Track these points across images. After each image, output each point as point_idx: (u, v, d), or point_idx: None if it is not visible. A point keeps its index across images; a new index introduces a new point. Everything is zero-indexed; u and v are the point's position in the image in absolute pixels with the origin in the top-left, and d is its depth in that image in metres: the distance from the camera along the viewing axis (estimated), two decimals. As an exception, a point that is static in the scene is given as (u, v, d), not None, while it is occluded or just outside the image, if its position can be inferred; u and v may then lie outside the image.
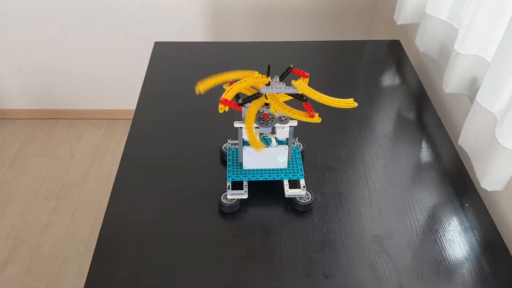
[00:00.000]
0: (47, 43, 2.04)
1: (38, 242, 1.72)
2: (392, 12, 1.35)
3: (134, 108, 1.11)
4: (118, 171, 0.94)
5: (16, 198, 1.90)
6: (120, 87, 2.19)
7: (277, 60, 1.20)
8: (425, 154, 1.00)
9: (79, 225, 1.79)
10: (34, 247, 1.71)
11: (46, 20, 1.98)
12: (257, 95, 0.78)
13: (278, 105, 0.80)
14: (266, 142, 0.86)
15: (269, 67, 0.79)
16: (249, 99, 0.78)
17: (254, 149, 0.82)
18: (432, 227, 0.84)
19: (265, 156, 0.86)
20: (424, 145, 1.02)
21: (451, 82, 1.00)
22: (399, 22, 1.28)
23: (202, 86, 0.78)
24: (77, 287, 1.58)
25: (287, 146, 0.86)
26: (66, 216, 1.82)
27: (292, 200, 0.87)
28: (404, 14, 1.25)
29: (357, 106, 0.79)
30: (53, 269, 1.63)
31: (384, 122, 1.07)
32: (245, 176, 0.88)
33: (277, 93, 0.79)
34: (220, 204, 0.86)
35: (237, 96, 0.79)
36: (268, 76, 0.79)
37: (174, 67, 1.25)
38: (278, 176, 0.88)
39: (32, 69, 2.13)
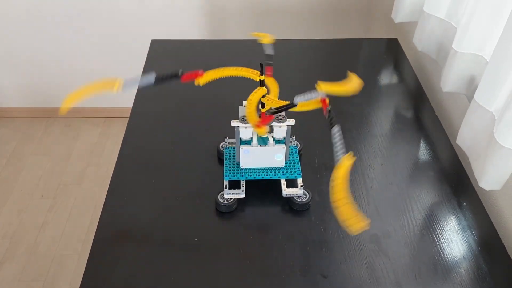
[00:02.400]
0: (43, 41, 2.03)
1: (34, 241, 1.72)
2: (390, 11, 1.35)
3: (131, 106, 1.10)
4: (114, 170, 0.94)
5: (12, 197, 1.89)
6: (117, 85, 2.18)
7: (275, 58, 1.19)
8: (423, 153, 1.00)
9: (75, 224, 1.79)
10: (31, 246, 1.70)
11: (42, 18, 1.97)
12: (289, 106, 0.76)
13: (274, 103, 0.79)
14: (263, 141, 0.85)
15: (261, 65, 0.78)
16: (282, 108, 0.76)
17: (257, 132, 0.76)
18: (429, 226, 0.84)
19: (262, 155, 0.86)
20: (422, 144, 1.02)
21: (449, 81, 1.00)
22: (397, 21, 1.27)
23: (203, 80, 0.77)
24: (73, 286, 1.58)
25: (284, 145, 0.85)
26: (63, 215, 1.82)
27: (289, 199, 0.87)
28: (402, 12, 1.25)
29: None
30: (50, 268, 1.63)
31: (382, 121, 1.07)
32: (242, 175, 0.87)
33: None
34: (217, 203, 0.85)
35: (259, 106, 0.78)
36: (261, 75, 0.78)
37: (171, 65, 1.24)
38: (275, 175, 0.87)
39: (28, 67, 2.12)
